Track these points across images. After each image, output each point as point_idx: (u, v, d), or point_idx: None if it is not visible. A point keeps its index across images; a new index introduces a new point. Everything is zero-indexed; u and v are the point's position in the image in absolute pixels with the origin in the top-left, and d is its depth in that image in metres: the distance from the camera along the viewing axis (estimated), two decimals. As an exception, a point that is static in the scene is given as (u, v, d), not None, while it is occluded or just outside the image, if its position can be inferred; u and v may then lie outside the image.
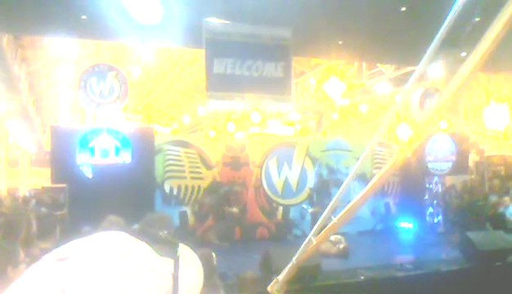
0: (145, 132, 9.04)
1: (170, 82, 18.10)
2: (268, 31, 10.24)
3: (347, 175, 9.71)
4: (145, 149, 8.55)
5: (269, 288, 4.58)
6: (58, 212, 7.48)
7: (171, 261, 0.96)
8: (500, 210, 9.52)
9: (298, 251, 4.51)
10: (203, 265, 1.06)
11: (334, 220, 4.38)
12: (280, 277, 4.60)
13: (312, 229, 8.66)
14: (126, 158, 8.27)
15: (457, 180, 10.12)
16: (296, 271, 4.61)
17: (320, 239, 4.46)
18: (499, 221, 9.04)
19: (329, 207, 4.35)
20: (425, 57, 3.95)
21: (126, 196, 7.76)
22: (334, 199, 4.34)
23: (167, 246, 1.01)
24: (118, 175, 8.05)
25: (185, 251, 1.04)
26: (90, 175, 7.99)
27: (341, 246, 7.30)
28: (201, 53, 10.10)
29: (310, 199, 9.47)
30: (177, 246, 1.02)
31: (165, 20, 7.99)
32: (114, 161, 8.26)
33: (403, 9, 9.28)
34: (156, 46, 12.63)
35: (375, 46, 11.48)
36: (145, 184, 8.58)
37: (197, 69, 14.06)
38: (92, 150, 8.14)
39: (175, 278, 0.94)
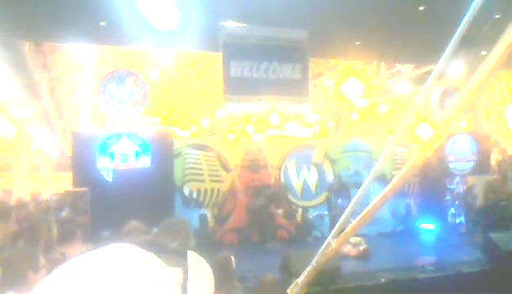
0: (164, 136, 9.12)
1: (188, 84, 18.23)
2: (284, 33, 10.24)
3: (366, 176, 9.69)
4: (164, 153, 8.63)
5: (289, 291, 4.56)
6: (79, 217, 7.57)
7: (180, 272, 0.96)
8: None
9: (318, 254, 4.49)
10: (222, 268, 1.06)
11: (354, 222, 4.35)
12: (300, 280, 4.58)
13: (330, 231, 8.63)
14: (145, 162, 8.34)
15: (479, 180, 9.95)
16: (316, 274, 4.59)
17: (339, 242, 4.44)
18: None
19: (348, 209, 4.31)
20: (444, 55, 3.90)
21: (146, 200, 7.86)
22: (353, 201, 4.31)
23: (176, 256, 1.01)
24: (137, 180, 8.17)
25: (195, 260, 1.04)
26: (110, 180, 8.09)
27: (361, 248, 7.26)
28: (219, 56, 10.15)
29: (328, 202, 9.41)
30: (186, 255, 1.02)
31: (182, 24, 8.06)
32: (134, 165, 8.34)
33: (421, 8, 9.19)
34: (174, 50, 12.74)
35: (393, 45, 11.40)
36: (165, 187, 8.68)
37: (215, 71, 14.12)
38: (111, 155, 8.23)
39: (184, 289, 0.94)
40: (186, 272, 0.96)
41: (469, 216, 9.64)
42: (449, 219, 9.86)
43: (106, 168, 8.22)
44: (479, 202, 9.73)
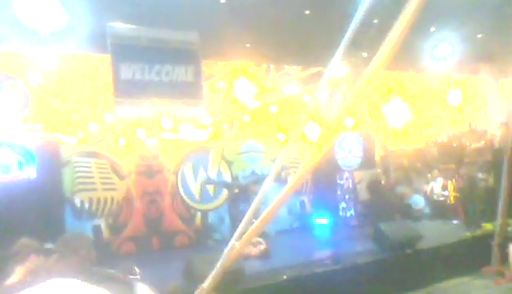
0: (49, 144, 8.51)
1: (72, 88, 17.22)
2: (175, 35, 10.07)
3: (262, 175, 9.90)
4: (51, 163, 8.07)
5: (194, 297, 4.49)
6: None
7: None
8: (406, 200, 10.16)
9: (222, 257, 4.46)
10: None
11: (256, 222, 4.39)
12: (205, 284, 4.52)
13: (231, 232, 8.66)
14: (30, 173, 7.72)
15: (366, 175, 10.60)
16: (221, 277, 4.56)
17: (243, 243, 4.45)
18: (406, 211, 9.65)
19: (250, 210, 4.33)
20: (334, 58, 4.08)
21: (32, 214, 7.30)
22: (254, 202, 4.34)
23: (124, 286, 0.93)
24: (22, 192, 7.53)
25: (143, 290, 0.96)
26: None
27: (262, 247, 7.36)
28: (105, 58, 9.72)
29: (229, 203, 9.41)
30: (135, 286, 0.93)
31: (67, 25, 7.61)
32: (18, 177, 7.68)
33: (307, 12, 9.57)
34: (58, 52, 11.96)
35: (281, 48, 11.73)
36: (53, 199, 8.12)
37: (101, 74, 13.51)
38: (-9, 166, 7.50)
39: None
40: None
41: (358, 208, 10.23)
42: (340, 213, 10.40)
43: (-16, 181, 7.48)
44: (366, 195, 10.35)
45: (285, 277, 6.01)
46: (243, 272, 5.73)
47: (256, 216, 4.33)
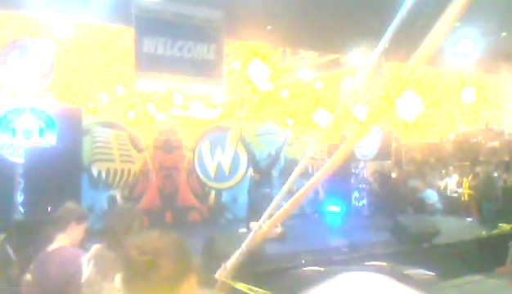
0: (71, 112, 8.51)
1: (83, 59, 17.12)
2: (200, 11, 10.01)
3: (279, 159, 9.91)
4: (71, 131, 8.06)
5: (217, 275, 4.53)
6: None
7: None
8: (418, 194, 10.18)
9: (249, 237, 4.51)
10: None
11: (286, 205, 4.43)
12: (228, 263, 4.57)
13: (243, 213, 8.71)
14: (51, 139, 7.74)
15: (380, 166, 10.61)
16: (245, 257, 4.61)
17: (270, 225, 4.49)
18: (418, 205, 9.67)
19: (280, 194, 4.37)
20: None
21: (50, 180, 7.31)
22: (284, 186, 4.37)
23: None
24: (41, 158, 7.55)
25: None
26: (12, 158, 7.40)
27: (278, 230, 7.41)
28: (119, 30, 9.64)
29: (250, 186, 9.40)
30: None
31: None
32: (38, 143, 7.70)
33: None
34: (82, 20, 11.87)
35: (301, 32, 11.65)
36: (71, 167, 8.12)
37: (114, 46, 13.41)
38: (13, 131, 7.52)
39: None
40: None
41: (370, 199, 10.27)
42: (353, 202, 10.44)
43: (6, 145, 7.49)
44: (379, 186, 10.39)
45: (303, 261, 6.06)
46: (264, 253, 5.77)
47: (285, 199, 4.39)
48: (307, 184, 4.39)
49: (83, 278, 2.62)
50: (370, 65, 4.32)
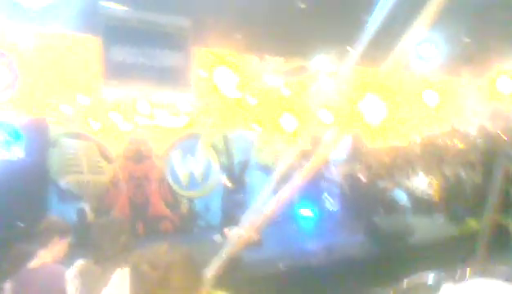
0: (38, 124, 8.27)
1: (45, 68, 16.71)
2: (168, 19, 9.97)
3: (251, 166, 9.91)
4: (39, 143, 7.86)
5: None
6: None
7: None
8: (389, 194, 10.36)
9: (228, 244, 4.49)
10: None
11: (266, 211, 4.43)
12: (208, 272, 4.53)
13: (215, 221, 8.67)
14: (18, 152, 7.51)
15: (350, 169, 10.73)
16: (225, 265, 4.58)
17: (250, 231, 4.48)
18: (389, 206, 9.84)
19: (259, 200, 4.37)
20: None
21: (17, 194, 7.10)
22: (263, 192, 4.37)
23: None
24: (8, 172, 7.32)
25: None
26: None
27: (254, 237, 7.37)
28: (83, 39, 9.53)
29: (224, 194, 9.33)
30: None
31: (57, 2, 7.44)
32: (4, 156, 7.46)
33: (303, 6, 9.62)
34: (46, 30, 11.61)
35: (269, 39, 11.75)
36: (39, 180, 7.91)
37: (77, 54, 13.16)
38: (-23, 145, 7.27)
39: None
40: None
41: (342, 201, 10.34)
42: (324, 205, 10.49)
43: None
44: (350, 188, 10.49)
45: (281, 266, 6.07)
46: (242, 260, 5.75)
47: (264, 205, 4.39)
48: (286, 188, 4.41)
49: (69, 295, 2.54)
50: (340, 70, 4.37)
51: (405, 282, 3.06)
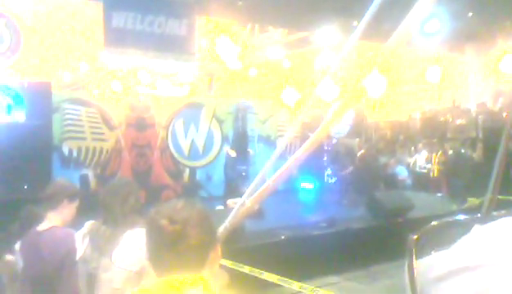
0: (41, 88, 8.20)
1: (52, 34, 16.53)
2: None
3: (253, 136, 9.92)
4: (41, 107, 7.80)
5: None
6: None
7: None
8: (389, 170, 10.40)
9: (232, 214, 4.51)
10: None
11: (270, 181, 4.44)
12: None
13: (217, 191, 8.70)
14: (19, 116, 7.48)
15: (351, 143, 10.76)
16: (228, 234, 4.61)
17: (253, 201, 4.50)
18: (390, 181, 9.88)
19: (263, 169, 4.38)
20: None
21: (19, 159, 7.10)
22: (268, 162, 4.39)
23: None
24: (9, 136, 7.30)
25: None
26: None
27: (256, 206, 7.41)
28: (87, 5, 9.37)
29: (226, 163, 9.36)
30: None
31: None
32: (5, 120, 7.43)
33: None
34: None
35: (271, 8, 11.58)
36: (42, 145, 7.89)
37: (78, 21, 12.98)
38: (-21, 108, 7.22)
39: None
40: None
41: (342, 175, 10.39)
42: (325, 178, 10.55)
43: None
44: (351, 163, 10.53)
45: (282, 237, 6.13)
46: (244, 230, 5.80)
47: (269, 175, 4.40)
48: (290, 160, 4.41)
49: (78, 256, 2.56)
50: (345, 45, 4.31)
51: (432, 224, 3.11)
